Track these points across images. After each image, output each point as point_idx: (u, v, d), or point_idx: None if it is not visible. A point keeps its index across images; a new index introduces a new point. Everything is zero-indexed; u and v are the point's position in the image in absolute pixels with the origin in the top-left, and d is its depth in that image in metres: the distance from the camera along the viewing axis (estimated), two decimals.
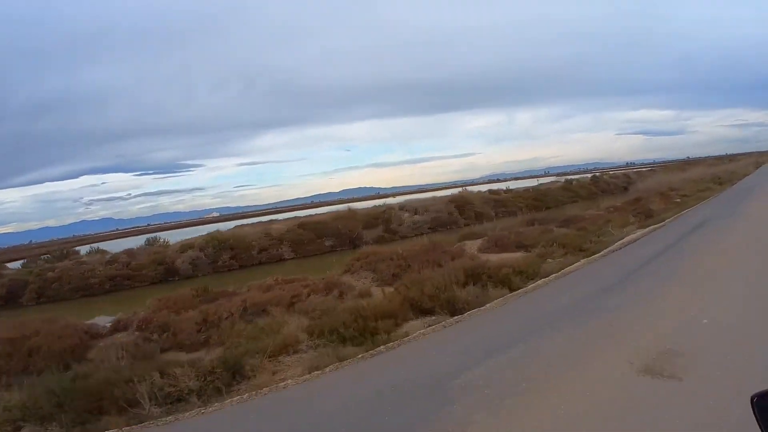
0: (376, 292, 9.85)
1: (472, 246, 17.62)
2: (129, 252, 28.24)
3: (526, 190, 39.64)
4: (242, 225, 36.28)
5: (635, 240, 12.82)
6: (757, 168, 47.22)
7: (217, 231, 30.93)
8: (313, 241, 30.24)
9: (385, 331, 7.08)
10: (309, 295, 10.10)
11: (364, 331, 7.02)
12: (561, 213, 23.63)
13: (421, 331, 6.92)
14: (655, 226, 15.01)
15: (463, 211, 34.66)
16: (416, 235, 32.36)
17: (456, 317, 7.46)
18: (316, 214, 38.41)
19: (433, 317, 7.87)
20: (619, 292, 7.32)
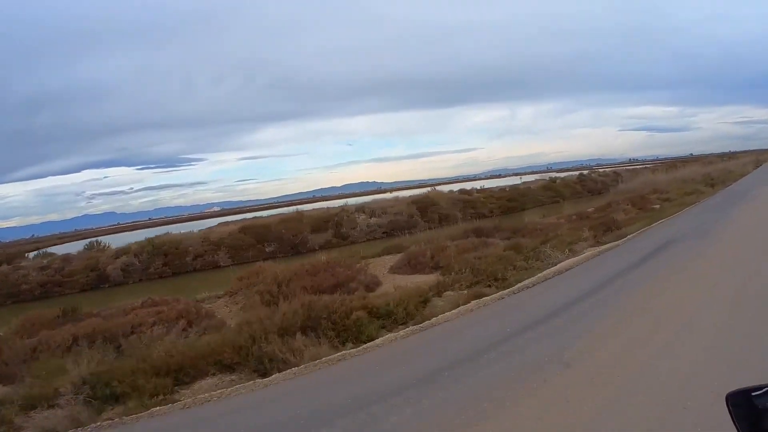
0: (232, 323, 8.31)
1: (385, 264, 14.39)
2: (66, 257, 26.56)
3: (502, 189, 36.13)
4: (212, 227, 34.38)
5: (566, 270, 9.40)
6: (757, 167, 43.26)
7: (169, 234, 28.75)
8: (253, 246, 27.58)
9: (154, 393, 5.44)
10: (153, 325, 8.17)
11: (137, 390, 5.49)
12: (519, 220, 20.23)
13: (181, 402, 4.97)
14: (608, 245, 11.59)
15: (426, 213, 31.23)
16: (369, 240, 29.26)
17: (266, 379, 5.51)
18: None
19: (234, 375, 6.03)
20: (450, 384, 4.03)
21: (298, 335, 6.47)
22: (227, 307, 11.21)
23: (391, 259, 14.67)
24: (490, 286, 9.19)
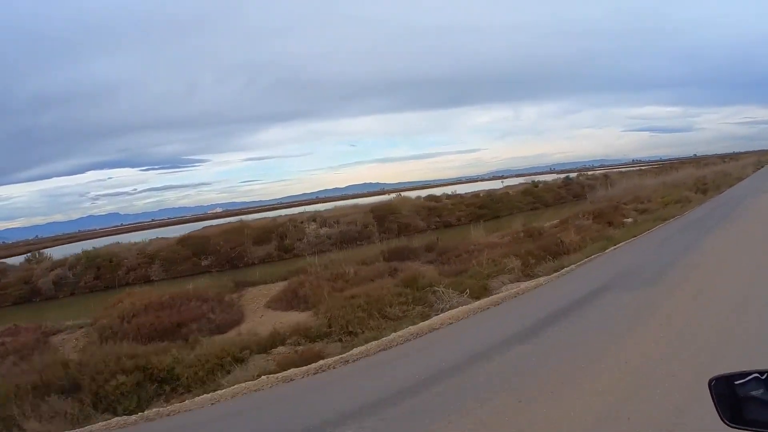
0: None
1: (270, 293, 11.49)
2: (2, 268, 24.90)
3: (475, 195, 32.79)
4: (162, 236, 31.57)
5: (435, 328, 6.18)
6: (757, 169, 39.35)
7: (119, 244, 26.90)
8: (189, 259, 24.97)
9: None
10: None
11: None
12: (465, 235, 16.91)
13: None
14: (529, 285, 8.31)
15: (383, 222, 27.95)
16: (315, 253, 26.02)
17: None
18: (256, 219, 32.92)
19: None
20: None
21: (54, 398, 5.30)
22: (77, 341, 9.42)
23: (272, 289, 11.63)
24: (341, 340, 7.07)
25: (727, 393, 1.21)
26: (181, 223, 60.50)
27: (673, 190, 23.85)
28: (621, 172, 48.88)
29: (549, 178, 49.10)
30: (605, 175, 42.55)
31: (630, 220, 15.43)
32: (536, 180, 38.57)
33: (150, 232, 37.90)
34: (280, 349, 6.89)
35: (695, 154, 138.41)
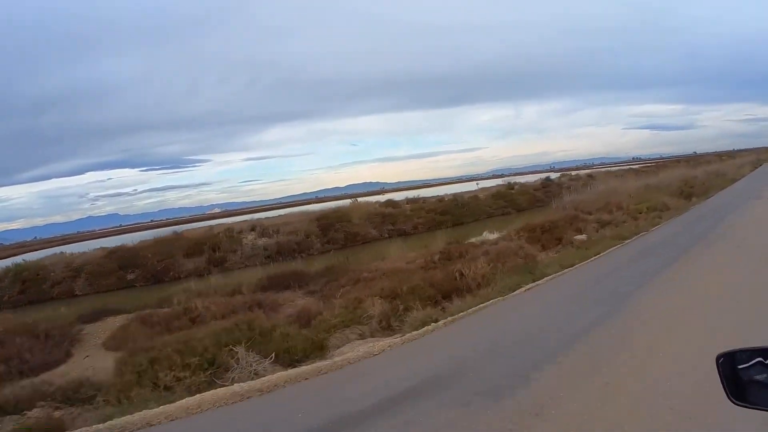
0: None
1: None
2: None
3: (439, 200, 29.47)
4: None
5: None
6: (755, 168, 35.48)
7: (55, 257, 25.03)
8: (115, 273, 22.75)
9: None
10: None
11: None
12: (386, 252, 13.63)
13: None
14: (378, 347, 5.16)
15: (328, 231, 24.70)
16: (247, 267, 22.94)
17: None
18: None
19: None
20: None
21: None
22: None
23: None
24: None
25: (731, 375, 1.21)
26: (179, 223, 58.11)
27: (654, 195, 20.46)
28: (610, 171, 45.29)
29: (535, 177, 46.59)
30: (590, 176, 39.05)
31: (583, 237, 12.09)
32: (512, 182, 35.07)
33: (150, 233, 35.45)
34: (36, 412, 5.27)
35: (695, 152, 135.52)
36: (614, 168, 54.77)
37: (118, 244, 26.53)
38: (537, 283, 7.69)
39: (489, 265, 8.56)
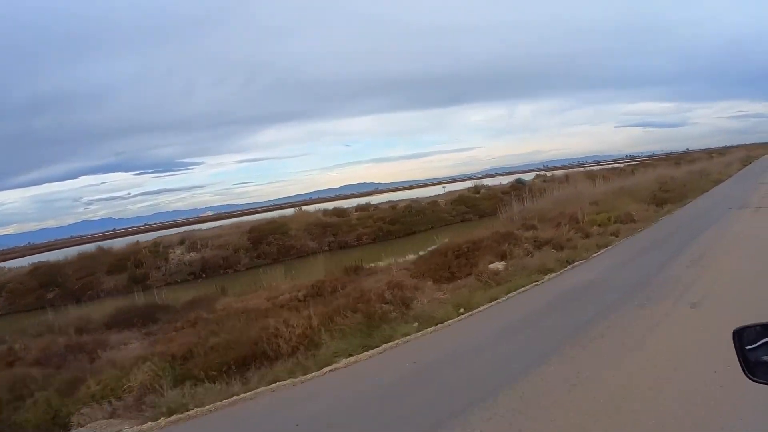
0: None
1: None
2: None
3: (391, 207, 26.55)
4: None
5: None
6: (744, 167, 32.41)
7: None
8: (35, 291, 20.96)
9: None
10: None
11: None
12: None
13: None
14: None
15: (260, 244, 21.81)
16: (169, 284, 20.13)
17: None
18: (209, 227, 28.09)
19: None
20: None
21: None
22: None
23: None
24: None
25: (742, 354, 1.23)
26: (173, 227, 56.80)
27: (622, 201, 17.57)
28: (591, 171, 42.27)
29: (531, 176, 44.68)
30: (566, 176, 36.04)
31: (500, 266, 9.19)
32: (480, 184, 32.10)
33: (142, 237, 33.06)
34: None
35: (688, 149, 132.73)
36: (596, 168, 51.58)
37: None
38: (356, 359, 4.81)
39: (327, 315, 5.67)
